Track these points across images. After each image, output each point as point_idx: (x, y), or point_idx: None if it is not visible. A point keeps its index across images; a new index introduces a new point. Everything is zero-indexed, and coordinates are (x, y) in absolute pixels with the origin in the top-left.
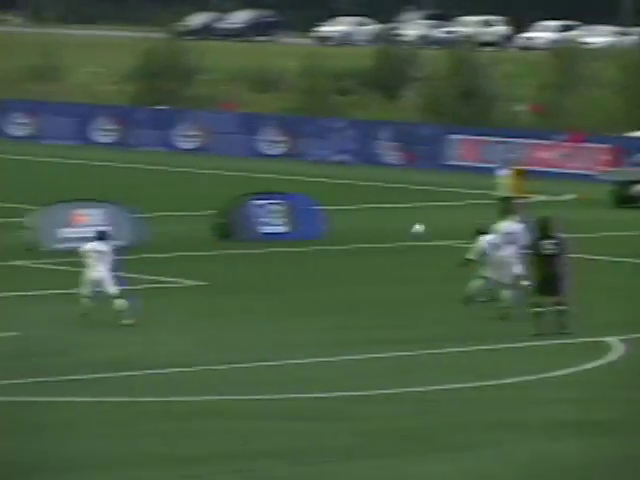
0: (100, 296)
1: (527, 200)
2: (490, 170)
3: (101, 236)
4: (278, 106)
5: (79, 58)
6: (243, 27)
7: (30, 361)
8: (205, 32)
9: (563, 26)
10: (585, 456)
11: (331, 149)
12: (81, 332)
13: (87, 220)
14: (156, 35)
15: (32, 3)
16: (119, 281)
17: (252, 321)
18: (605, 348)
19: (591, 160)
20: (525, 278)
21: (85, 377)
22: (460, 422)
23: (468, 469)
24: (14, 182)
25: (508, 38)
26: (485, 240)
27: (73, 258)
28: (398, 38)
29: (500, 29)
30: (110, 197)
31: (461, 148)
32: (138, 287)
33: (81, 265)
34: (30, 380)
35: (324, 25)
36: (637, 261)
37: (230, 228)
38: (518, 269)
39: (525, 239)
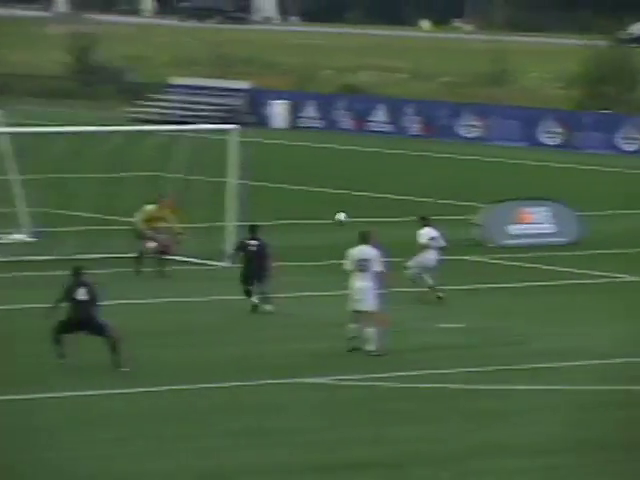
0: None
1: None
2: None
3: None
4: None
5: (527, 64)
6: None
7: (477, 350)
8: None
9: None
10: None
11: None
12: (526, 324)
13: (532, 218)
14: (600, 43)
15: (481, 11)
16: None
17: None
18: None
19: None
20: None
21: (536, 366)
22: None
23: None
24: (465, 181)
25: None
26: None
27: (522, 254)
28: None
29: None
30: (554, 196)
31: None
32: (568, 281)
33: (524, 260)
34: (476, 369)
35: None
36: None
37: None
38: None
39: None
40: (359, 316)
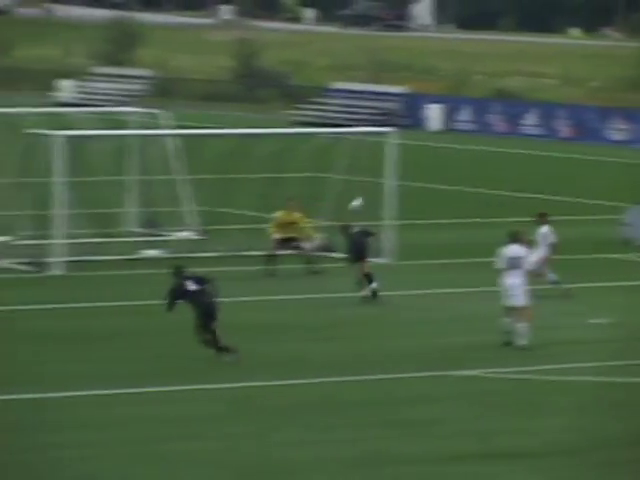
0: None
1: None
2: None
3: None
4: None
5: None
6: None
7: (621, 345)
8: None
9: None
10: None
11: None
12: None
13: None
14: None
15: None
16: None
17: None
18: None
19: None
20: None
21: None
22: None
23: None
24: (612, 182)
25: None
26: None
27: None
28: None
29: None
30: None
31: None
32: None
33: None
34: (620, 363)
35: None
36: None
37: None
38: None
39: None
40: (511, 311)
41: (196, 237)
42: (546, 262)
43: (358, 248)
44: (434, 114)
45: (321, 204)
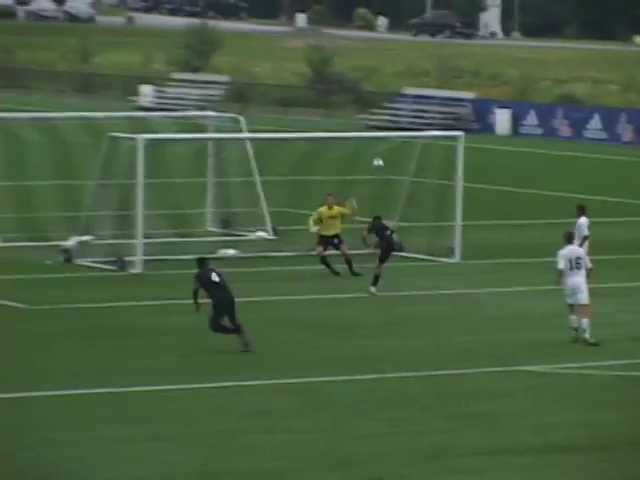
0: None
1: None
2: None
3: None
4: None
5: None
6: None
7: None
8: None
9: None
10: None
11: None
12: None
13: None
14: None
15: None
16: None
17: None
18: None
19: None
20: None
21: None
22: None
23: None
24: None
25: None
26: None
27: None
28: None
29: None
30: None
31: None
32: None
33: None
34: None
35: None
36: None
37: None
38: None
39: None
40: (574, 309)
41: (270, 237)
42: None
43: (390, 247)
44: (501, 119)
45: (392, 205)
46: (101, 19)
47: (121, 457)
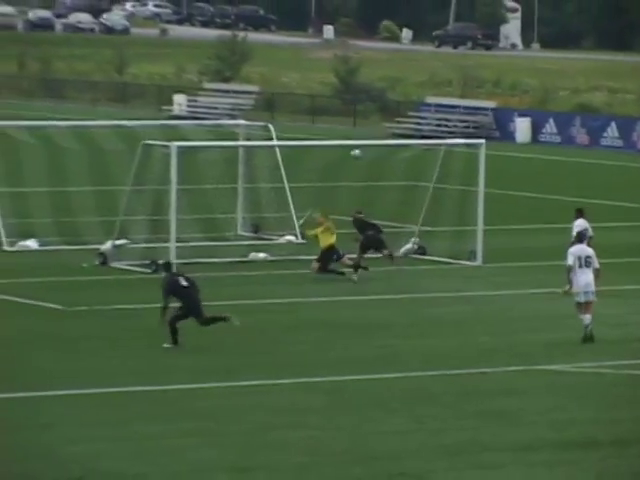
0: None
1: None
2: None
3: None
4: None
5: None
6: None
7: None
8: None
9: None
10: None
11: None
12: None
13: None
14: None
15: None
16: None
17: None
18: None
19: None
20: None
21: None
22: None
23: None
24: None
25: None
26: None
27: None
28: None
29: None
30: None
31: None
32: None
33: None
34: None
35: None
36: None
37: None
38: None
39: None
40: (582, 307)
41: (298, 241)
42: None
43: (376, 242)
44: (521, 127)
45: (416, 210)
46: (136, 31)
47: (155, 453)
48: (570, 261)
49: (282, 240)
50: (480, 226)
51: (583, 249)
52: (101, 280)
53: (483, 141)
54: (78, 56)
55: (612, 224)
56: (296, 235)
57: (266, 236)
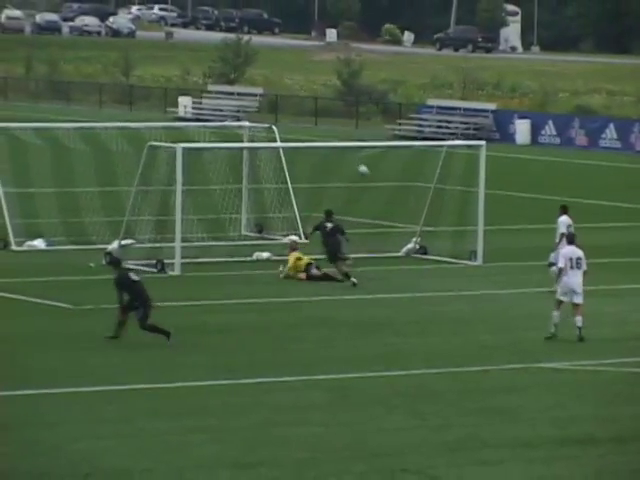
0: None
1: None
2: None
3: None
4: None
5: None
6: None
7: None
8: None
9: None
10: None
11: None
12: None
13: None
14: None
15: None
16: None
17: None
18: None
19: None
20: None
21: None
22: None
23: None
24: None
25: None
26: None
27: None
28: None
29: None
30: None
31: None
32: None
33: None
34: None
35: None
36: None
37: None
38: None
39: None
40: (562, 306)
41: (301, 241)
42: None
43: (333, 245)
44: (521, 129)
45: (417, 211)
46: (141, 34)
47: (160, 450)
48: (562, 263)
49: (286, 240)
50: (480, 226)
51: (574, 251)
52: (108, 279)
53: (483, 143)
54: (85, 59)
55: (610, 224)
56: (299, 235)
57: (270, 236)
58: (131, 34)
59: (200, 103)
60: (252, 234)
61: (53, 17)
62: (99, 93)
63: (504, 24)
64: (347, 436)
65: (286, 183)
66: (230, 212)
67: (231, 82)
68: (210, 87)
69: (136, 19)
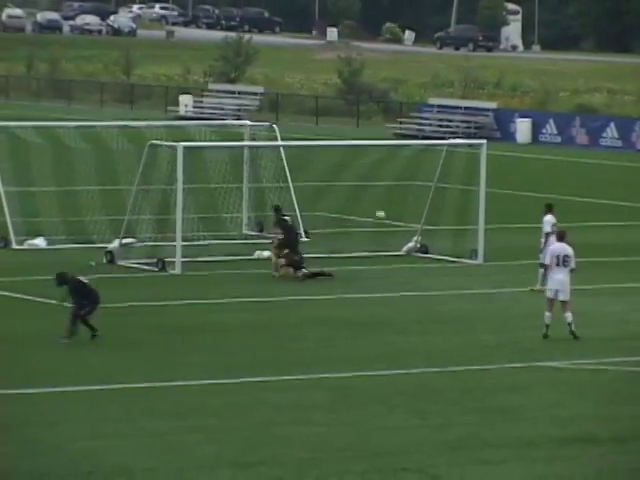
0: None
1: None
2: None
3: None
4: None
5: None
6: None
7: None
8: None
9: None
10: None
11: None
12: None
13: None
14: None
15: None
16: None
17: None
18: None
19: None
20: None
21: None
22: None
23: None
24: None
25: None
26: None
27: None
28: None
29: None
30: None
31: None
32: None
33: None
34: None
35: None
36: None
37: None
38: None
39: None
40: (553, 305)
41: (302, 239)
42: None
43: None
44: (522, 127)
45: (417, 209)
46: (142, 33)
47: (161, 449)
48: (547, 260)
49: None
50: (481, 225)
51: (563, 248)
52: (108, 278)
53: (484, 141)
54: (86, 57)
55: (611, 223)
56: (300, 234)
57: (271, 235)
58: (132, 33)
59: (201, 102)
60: (253, 233)
61: (54, 16)
62: (100, 92)
63: (505, 23)
64: (348, 435)
65: (287, 182)
66: (231, 211)
67: (232, 81)
68: (211, 86)
69: (137, 18)
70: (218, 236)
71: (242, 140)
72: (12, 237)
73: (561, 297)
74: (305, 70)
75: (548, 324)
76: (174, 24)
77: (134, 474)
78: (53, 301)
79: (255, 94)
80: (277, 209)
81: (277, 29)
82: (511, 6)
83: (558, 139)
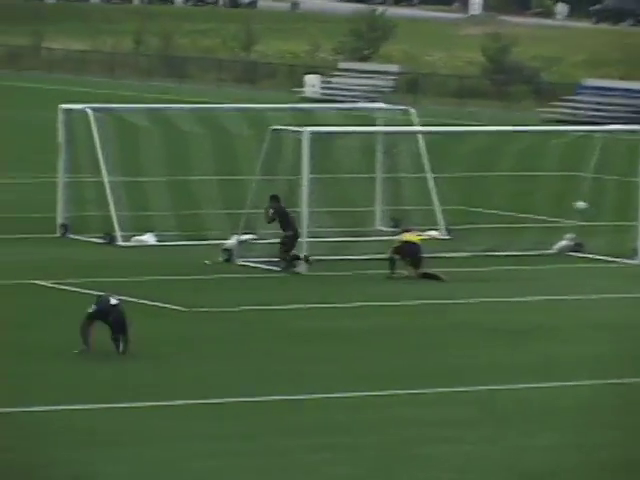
0: None
1: None
2: None
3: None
4: None
5: None
6: None
7: None
8: None
9: None
10: None
11: None
12: None
13: None
14: None
15: None
16: None
17: None
18: None
19: None
20: None
21: None
22: None
23: None
24: None
25: None
26: None
27: None
28: None
29: None
30: None
31: None
32: None
33: None
34: None
35: None
36: None
37: None
38: None
39: None
40: None
41: (443, 237)
42: None
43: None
44: None
45: (572, 202)
46: (264, 4)
47: (286, 469)
48: None
49: (424, 235)
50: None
51: None
52: (225, 279)
53: None
54: (201, 31)
55: None
56: (440, 230)
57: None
58: (253, 4)
59: (330, 82)
60: (388, 229)
61: None
62: (217, 70)
63: None
64: (494, 455)
65: (425, 172)
66: (363, 204)
67: (364, 59)
68: (341, 64)
69: None
70: (348, 232)
71: (375, 125)
72: (118, 233)
73: None
74: (447, 47)
75: None
76: None
77: None
78: (167, 305)
79: (390, 74)
80: (274, 198)
81: (414, 1)
82: None
83: None
